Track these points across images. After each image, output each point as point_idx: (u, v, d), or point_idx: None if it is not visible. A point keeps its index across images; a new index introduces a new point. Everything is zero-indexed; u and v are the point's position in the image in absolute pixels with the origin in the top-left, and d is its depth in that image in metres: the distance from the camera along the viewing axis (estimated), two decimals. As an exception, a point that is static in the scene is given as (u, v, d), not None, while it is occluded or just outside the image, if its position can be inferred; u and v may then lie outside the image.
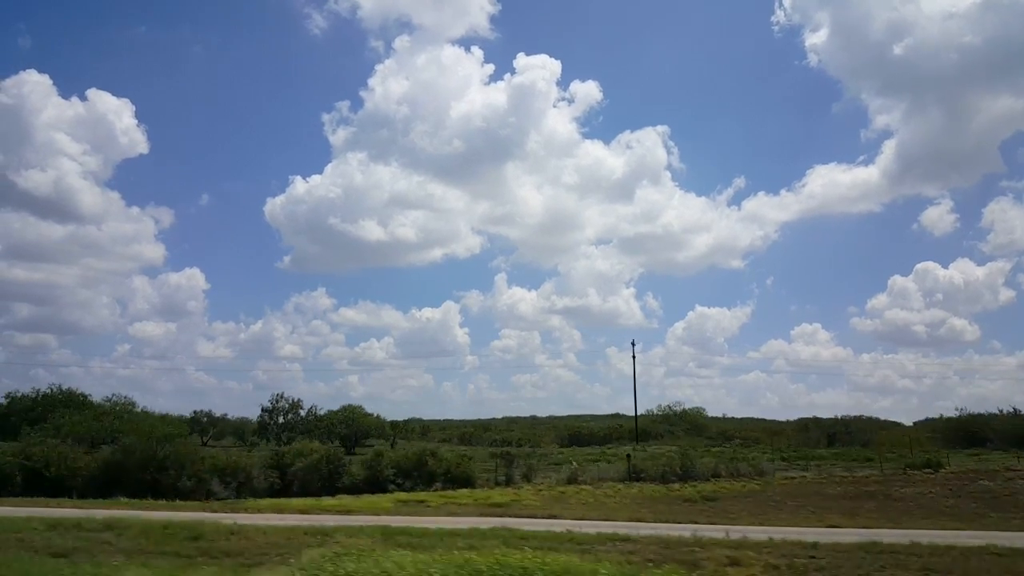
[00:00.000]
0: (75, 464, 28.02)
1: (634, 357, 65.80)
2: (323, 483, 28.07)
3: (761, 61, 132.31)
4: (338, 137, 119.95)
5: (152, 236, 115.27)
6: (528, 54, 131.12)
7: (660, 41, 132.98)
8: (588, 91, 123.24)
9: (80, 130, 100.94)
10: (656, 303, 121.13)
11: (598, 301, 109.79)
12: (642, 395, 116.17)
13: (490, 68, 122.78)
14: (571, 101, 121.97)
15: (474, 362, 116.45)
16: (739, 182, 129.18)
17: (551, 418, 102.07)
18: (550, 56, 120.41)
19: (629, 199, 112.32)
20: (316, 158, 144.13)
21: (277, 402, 63.64)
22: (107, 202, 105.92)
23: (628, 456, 29.55)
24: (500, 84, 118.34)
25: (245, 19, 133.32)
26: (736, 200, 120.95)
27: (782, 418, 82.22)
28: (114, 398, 49.30)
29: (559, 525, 16.35)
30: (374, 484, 27.92)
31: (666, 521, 18.41)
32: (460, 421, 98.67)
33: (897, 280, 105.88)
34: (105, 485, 28.16)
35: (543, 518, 18.87)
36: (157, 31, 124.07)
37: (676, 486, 26.19)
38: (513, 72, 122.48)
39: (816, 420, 57.34)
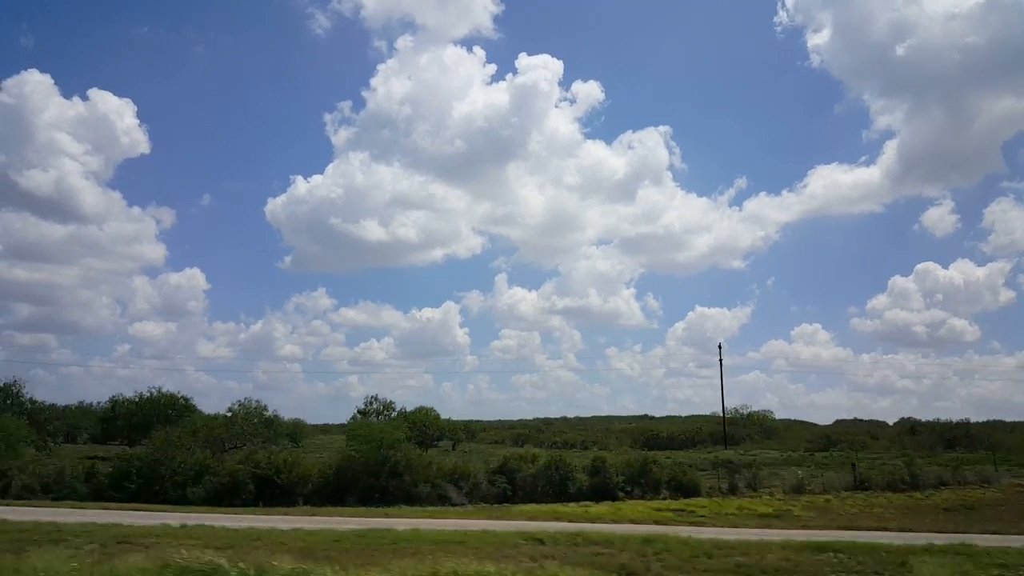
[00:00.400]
0: (307, 471, 28.06)
1: (721, 361, 65.91)
2: (553, 489, 28.27)
3: (763, 62, 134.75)
4: (340, 137, 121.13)
5: (153, 236, 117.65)
6: (530, 54, 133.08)
7: (662, 41, 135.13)
8: (590, 91, 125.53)
9: (82, 130, 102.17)
10: (656, 303, 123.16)
11: (598, 301, 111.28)
12: (642, 395, 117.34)
13: (492, 68, 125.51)
14: (573, 101, 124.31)
15: (474, 362, 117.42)
16: (741, 182, 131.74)
17: (594, 419, 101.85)
18: (552, 56, 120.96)
19: (631, 199, 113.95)
20: (317, 158, 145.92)
21: (371, 404, 63.71)
22: (108, 202, 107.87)
23: (853, 465, 30.03)
24: (502, 84, 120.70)
25: (248, 19, 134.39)
26: (737, 200, 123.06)
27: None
28: (246, 401, 48.99)
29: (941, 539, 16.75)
30: (602, 491, 28.10)
31: (1004, 532, 18.87)
32: (515, 421, 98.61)
33: (897, 280, 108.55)
34: (337, 492, 28.22)
35: (866, 530, 19.27)
36: (159, 31, 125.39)
37: (917, 495, 26.74)
38: (515, 72, 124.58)
39: (923, 423, 58.16)
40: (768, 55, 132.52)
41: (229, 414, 48.98)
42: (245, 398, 53.64)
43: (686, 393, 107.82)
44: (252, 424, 46.04)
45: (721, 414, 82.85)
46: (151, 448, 27.28)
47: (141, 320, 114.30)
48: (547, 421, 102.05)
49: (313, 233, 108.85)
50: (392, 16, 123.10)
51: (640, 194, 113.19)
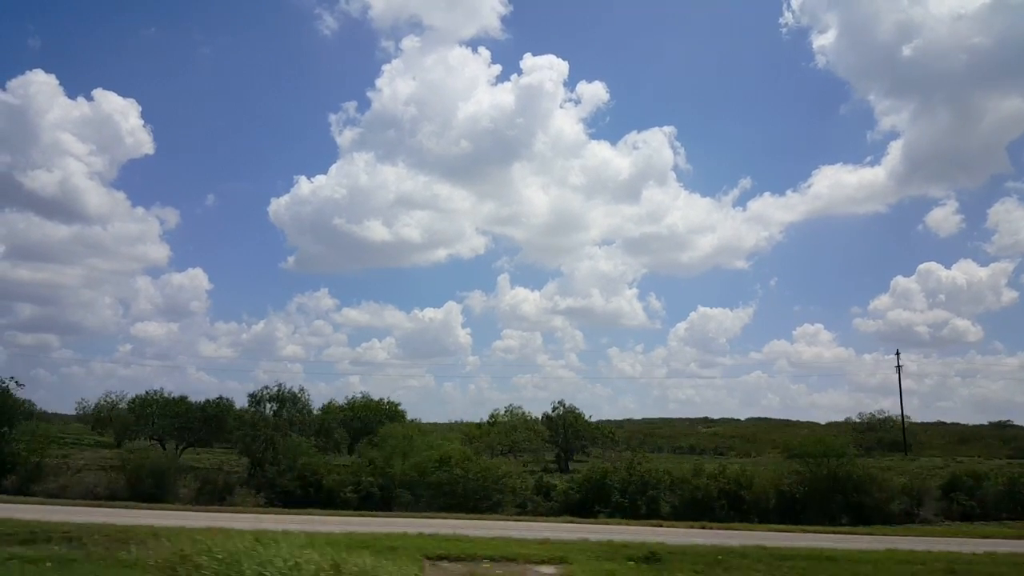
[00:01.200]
0: (771, 487, 27.13)
1: (899, 367, 65.17)
2: (1018, 507, 27.59)
3: (769, 62, 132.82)
4: (345, 137, 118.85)
5: (157, 236, 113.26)
6: (535, 54, 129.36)
7: (667, 42, 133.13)
8: (595, 92, 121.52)
9: (86, 130, 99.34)
10: (659, 304, 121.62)
11: (601, 302, 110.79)
12: (643, 396, 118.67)
13: (497, 69, 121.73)
14: (578, 102, 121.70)
15: (476, 362, 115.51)
16: (745, 183, 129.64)
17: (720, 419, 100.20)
18: (557, 56, 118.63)
19: (635, 200, 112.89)
20: (322, 158, 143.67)
21: (555, 409, 62.47)
22: (113, 202, 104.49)
23: None
24: (507, 85, 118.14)
25: (252, 20, 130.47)
26: (742, 201, 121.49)
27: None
28: (512, 408, 47.62)
29: None
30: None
31: None
32: (638, 421, 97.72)
33: (900, 281, 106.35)
34: (800, 509, 27.25)
35: None
36: (165, 32, 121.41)
37: None
38: (520, 73, 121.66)
39: None
40: (773, 56, 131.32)
41: (492, 420, 47.89)
42: (510, 405, 52.02)
43: (687, 393, 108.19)
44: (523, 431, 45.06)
45: (853, 419, 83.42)
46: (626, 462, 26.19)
47: (143, 320, 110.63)
48: (630, 422, 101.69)
49: (316, 233, 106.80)
50: (400, 17, 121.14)
51: (644, 194, 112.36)
